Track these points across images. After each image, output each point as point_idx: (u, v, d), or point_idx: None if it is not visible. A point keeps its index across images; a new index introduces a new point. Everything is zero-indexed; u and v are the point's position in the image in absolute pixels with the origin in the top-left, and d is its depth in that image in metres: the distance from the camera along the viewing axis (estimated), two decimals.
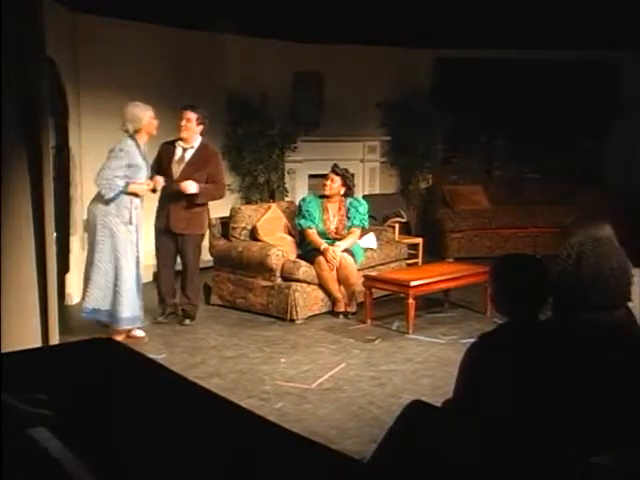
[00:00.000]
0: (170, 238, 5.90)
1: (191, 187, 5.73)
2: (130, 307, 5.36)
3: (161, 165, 5.89)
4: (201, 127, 5.88)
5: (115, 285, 5.32)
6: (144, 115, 5.38)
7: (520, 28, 7.84)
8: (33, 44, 3.93)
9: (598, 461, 2.01)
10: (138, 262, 5.49)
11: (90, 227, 5.42)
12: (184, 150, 5.89)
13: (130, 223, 5.36)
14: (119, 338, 5.22)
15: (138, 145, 5.39)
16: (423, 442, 2.00)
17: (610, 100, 9.66)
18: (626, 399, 2.18)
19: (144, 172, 5.44)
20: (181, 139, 5.88)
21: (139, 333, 5.57)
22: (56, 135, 6.34)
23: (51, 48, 4.87)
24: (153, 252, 6.13)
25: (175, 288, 6.13)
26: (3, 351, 3.37)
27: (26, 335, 3.86)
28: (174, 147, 5.90)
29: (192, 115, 5.80)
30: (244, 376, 4.84)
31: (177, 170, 5.84)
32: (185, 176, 5.79)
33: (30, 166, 3.89)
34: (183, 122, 5.81)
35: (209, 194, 5.93)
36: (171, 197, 5.81)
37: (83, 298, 5.41)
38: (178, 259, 6.06)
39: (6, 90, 3.65)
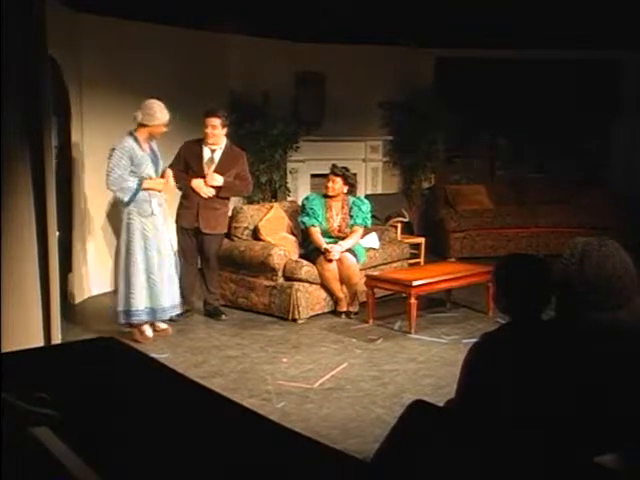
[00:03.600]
0: (194, 237, 6.05)
1: (218, 179, 5.91)
2: (172, 297, 5.58)
3: (188, 165, 5.97)
4: (226, 129, 6.04)
5: (151, 279, 5.42)
6: (159, 117, 5.39)
7: (522, 28, 7.84)
8: (35, 44, 3.94)
9: (602, 461, 2.01)
10: (169, 253, 5.57)
11: (120, 231, 5.48)
12: (212, 151, 6.02)
13: (153, 214, 5.41)
14: (135, 333, 5.34)
15: (137, 140, 5.39)
16: (425, 442, 1.99)
17: (612, 100, 9.66)
18: (629, 399, 2.18)
19: (149, 166, 5.43)
20: (208, 142, 6.01)
21: (147, 331, 5.59)
22: (58, 134, 6.35)
23: (53, 48, 4.88)
24: None
25: (195, 286, 6.27)
26: (6, 350, 3.37)
27: (29, 334, 3.87)
28: (200, 148, 6.02)
29: (217, 121, 5.94)
30: (246, 376, 4.85)
31: (209, 171, 5.98)
32: None
33: (33, 165, 3.90)
34: (209, 129, 5.94)
35: (234, 188, 6.15)
36: (201, 197, 5.94)
37: (127, 302, 5.39)
38: None
39: (9, 90, 3.66)
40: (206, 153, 6.01)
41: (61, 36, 6.02)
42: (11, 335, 3.69)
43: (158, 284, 5.46)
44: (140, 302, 5.39)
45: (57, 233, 4.33)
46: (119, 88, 6.68)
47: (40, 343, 3.90)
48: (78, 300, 6.68)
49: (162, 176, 5.57)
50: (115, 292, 5.53)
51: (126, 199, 5.32)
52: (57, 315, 4.22)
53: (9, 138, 3.68)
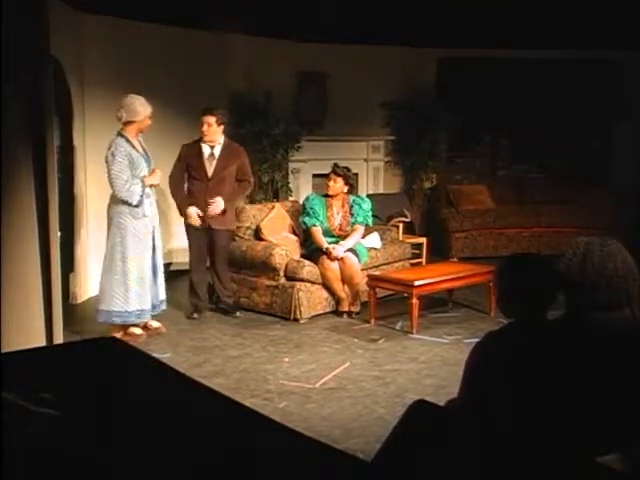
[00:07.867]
0: (204, 235, 6.07)
1: (219, 205, 5.97)
2: (150, 300, 5.53)
3: (190, 164, 6.02)
4: (222, 126, 6.07)
5: (142, 280, 5.43)
6: (142, 110, 5.42)
7: (523, 28, 7.83)
8: (38, 44, 3.94)
9: (605, 461, 2.01)
10: (155, 251, 5.58)
11: (108, 229, 5.50)
12: (211, 147, 6.04)
13: (145, 215, 5.42)
14: (118, 335, 5.26)
15: (128, 140, 5.40)
16: (427, 442, 1.99)
17: (614, 99, 9.65)
18: (630, 399, 2.18)
19: (144, 164, 5.45)
20: (205, 140, 6.04)
21: (136, 330, 5.59)
22: (61, 135, 6.35)
23: (56, 48, 4.88)
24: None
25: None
26: (7, 350, 3.37)
27: (30, 334, 3.87)
28: (199, 146, 6.05)
29: (211, 119, 5.97)
30: (248, 375, 4.85)
31: (210, 167, 6.03)
32: (218, 172, 6.03)
33: (35, 165, 3.90)
34: (204, 127, 5.98)
35: (237, 199, 6.27)
36: (207, 195, 6.00)
37: (110, 302, 5.40)
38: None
39: (11, 90, 3.66)
40: (206, 150, 6.04)
41: (63, 36, 6.02)
42: (12, 335, 3.69)
43: (147, 285, 5.47)
44: (133, 304, 5.40)
45: (59, 233, 4.33)
46: (121, 88, 6.66)
47: (42, 343, 3.90)
48: (80, 300, 6.69)
49: (153, 172, 5.56)
50: (103, 293, 5.51)
51: (135, 202, 5.34)
52: (59, 315, 4.21)
53: (11, 138, 3.68)
